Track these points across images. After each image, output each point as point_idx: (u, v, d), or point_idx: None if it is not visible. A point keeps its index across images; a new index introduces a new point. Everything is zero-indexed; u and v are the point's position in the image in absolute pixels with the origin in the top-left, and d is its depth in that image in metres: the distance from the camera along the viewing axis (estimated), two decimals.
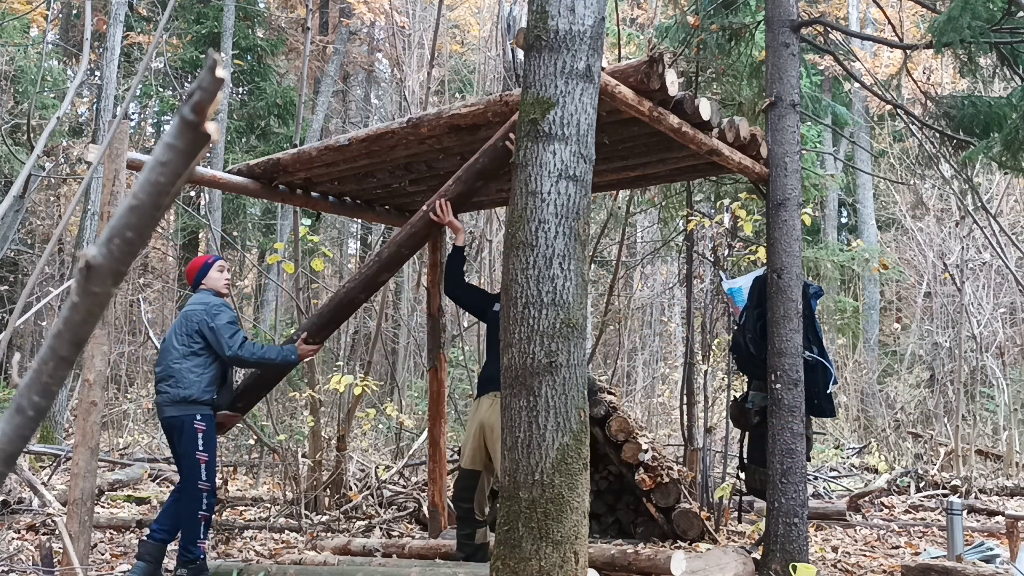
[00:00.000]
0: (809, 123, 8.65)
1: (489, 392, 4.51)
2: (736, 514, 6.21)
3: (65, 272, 12.91)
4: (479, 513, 4.60)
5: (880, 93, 7.40)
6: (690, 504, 5.71)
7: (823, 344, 4.99)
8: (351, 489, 7.11)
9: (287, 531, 6.31)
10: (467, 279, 5.07)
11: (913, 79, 6.70)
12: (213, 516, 4.70)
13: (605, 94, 3.63)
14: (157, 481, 8.33)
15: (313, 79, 17.96)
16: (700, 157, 4.81)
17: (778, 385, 4.66)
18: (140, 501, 7.30)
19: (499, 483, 4.29)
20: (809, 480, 7.64)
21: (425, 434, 7.12)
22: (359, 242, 19.94)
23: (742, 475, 5.17)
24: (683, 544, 5.45)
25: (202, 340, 4.40)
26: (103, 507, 6.94)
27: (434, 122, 4.43)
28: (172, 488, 4.74)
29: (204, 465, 4.37)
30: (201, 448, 4.38)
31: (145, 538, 4.46)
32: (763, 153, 4.90)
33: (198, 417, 4.38)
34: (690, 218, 7.03)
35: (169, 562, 4.57)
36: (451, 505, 5.38)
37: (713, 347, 7.18)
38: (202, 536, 4.35)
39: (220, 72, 0.67)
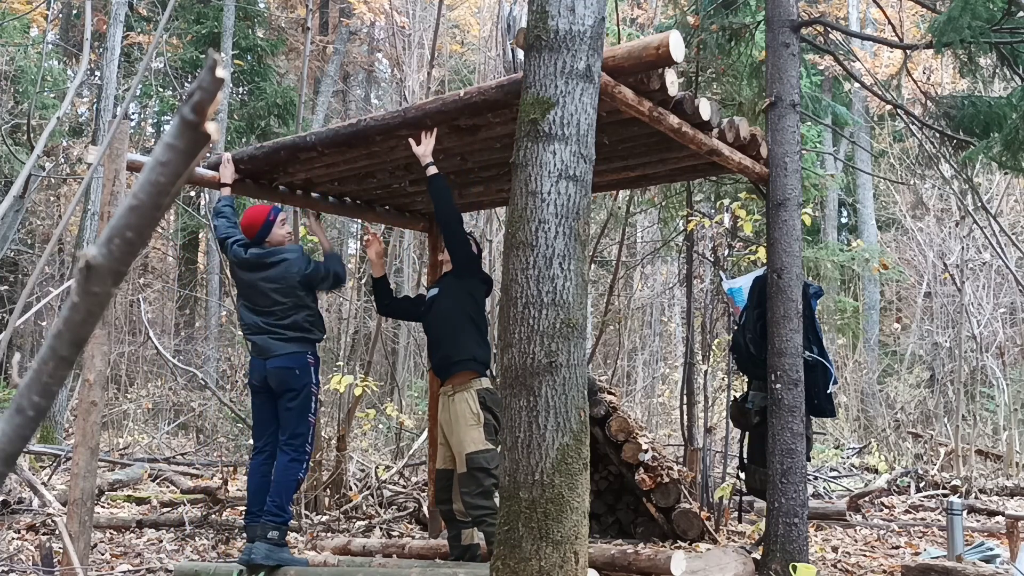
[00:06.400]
0: (809, 123, 8.65)
1: (442, 388, 4.60)
2: (736, 514, 6.21)
3: (65, 272, 12.91)
4: (460, 514, 4.54)
5: (880, 93, 7.40)
6: (690, 504, 5.71)
7: (823, 344, 4.99)
8: (351, 489, 7.11)
9: (287, 531, 6.30)
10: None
11: (913, 79, 6.70)
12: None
13: (605, 94, 3.63)
14: (157, 481, 8.33)
15: (313, 79, 17.96)
16: (700, 157, 4.81)
17: (778, 385, 4.66)
18: (140, 501, 7.30)
19: (460, 473, 4.33)
20: (809, 480, 7.64)
21: (425, 434, 7.12)
22: (359, 242, 19.94)
23: (742, 475, 5.17)
24: (683, 544, 5.46)
25: (304, 290, 4.53)
26: (103, 507, 6.94)
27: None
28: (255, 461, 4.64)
29: (313, 427, 4.51)
30: (314, 399, 4.47)
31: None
32: (763, 153, 4.90)
33: (310, 356, 4.51)
34: (690, 218, 7.03)
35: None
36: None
37: (713, 347, 7.18)
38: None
39: (220, 72, 0.67)
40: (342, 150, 4.74)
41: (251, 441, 5.93)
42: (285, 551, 4.37)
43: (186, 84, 14.66)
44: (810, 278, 10.10)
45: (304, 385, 4.46)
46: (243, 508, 7.18)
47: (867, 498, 8.23)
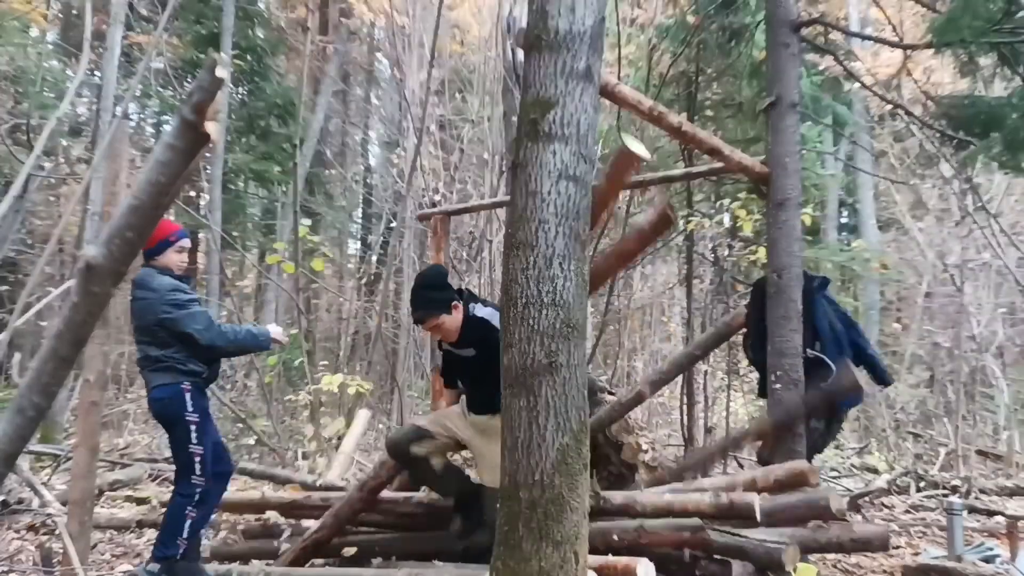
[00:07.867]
0: (809, 123, 8.64)
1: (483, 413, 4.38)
2: None
3: (65, 272, 12.91)
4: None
5: (880, 93, 7.40)
6: None
7: (836, 329, 4.83)
8: None
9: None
10: (466, 280, 5.02)
11: (913, 79, 6.70)
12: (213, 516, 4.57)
13: (605, 94, 3.63)
14: (157, 481, 8.32)
15: (313, 79, 17.95)
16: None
17: (778, 385, 4.66)
18: (140, 501, 7.30)
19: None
20: None
21: None
22: (359, 242, 19.95)
23: None
24: None
25: (164, 331, 4.14)
26: (103, 507, 6.94)
27: None
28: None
29: (199, 457, 4.05)
30: (193, 429, 4.04)
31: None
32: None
33: (184, 384, 4.09)
34: (690, 218, 7.03)
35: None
36: None
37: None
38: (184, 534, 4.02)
39: (220, 72, 0.67)
40: None
41: (251, 441, 5.93)
42: None
43: (186, 84, 14.66)
44: None
45: (177, 415, 4.09)
46: None
47: (867, 498, 8.23)
